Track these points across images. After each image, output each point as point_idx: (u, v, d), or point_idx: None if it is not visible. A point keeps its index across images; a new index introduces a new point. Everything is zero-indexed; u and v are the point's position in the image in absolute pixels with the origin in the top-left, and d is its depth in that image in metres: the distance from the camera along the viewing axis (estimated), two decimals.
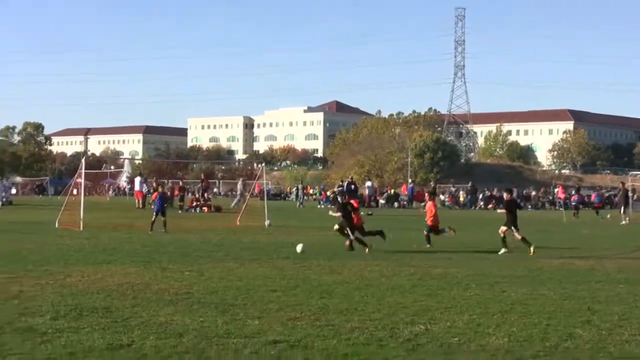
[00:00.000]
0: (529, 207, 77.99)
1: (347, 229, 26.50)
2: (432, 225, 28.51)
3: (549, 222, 50.39)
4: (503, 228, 26.62)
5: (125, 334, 11.71)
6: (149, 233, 32.71)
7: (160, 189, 37.12)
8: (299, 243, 25.08)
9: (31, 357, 10.18)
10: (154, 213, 34.43)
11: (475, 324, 13.10)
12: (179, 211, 56.38)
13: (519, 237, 26.36)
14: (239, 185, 66.63)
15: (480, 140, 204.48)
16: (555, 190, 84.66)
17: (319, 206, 77.51)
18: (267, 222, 39.00)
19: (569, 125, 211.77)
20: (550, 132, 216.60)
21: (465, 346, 11.42)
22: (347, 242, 26.28)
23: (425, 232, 28.48)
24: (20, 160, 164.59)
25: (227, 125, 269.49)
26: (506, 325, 13.04)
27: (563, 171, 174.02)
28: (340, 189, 66.69)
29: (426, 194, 34.92)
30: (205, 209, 57.94)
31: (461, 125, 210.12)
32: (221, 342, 11.25)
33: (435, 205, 29.87)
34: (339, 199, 29.43)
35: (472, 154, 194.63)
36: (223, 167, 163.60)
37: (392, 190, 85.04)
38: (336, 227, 27.03)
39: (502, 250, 26.13)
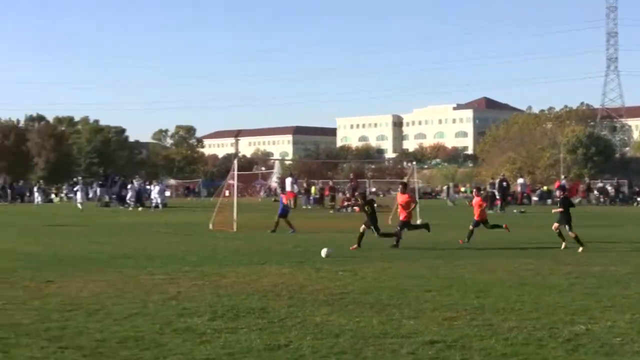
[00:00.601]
0: None
1: (372, 227, 26.94)
2: (479, 219, 29.21)
3: None
4: (556, 224, 26.59)
5: (282, 334, 11.78)
6: (268, 232, 33.15)
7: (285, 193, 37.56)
8: (326, 248, 24.13)
9: (191, 357, 10.32)
10: (278, 216, 34.77)
11: (637, 323, 12.72)
12: (331, 211, 56.80)
13: (573, 235, 25.87)
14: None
15: (636, 134, 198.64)
16: None
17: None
18: (418, 221, 38.82)
19: None
20: None
21: (627, 347, 11.08)
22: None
23: (470, 227, 29.16)
24: (173, 163, 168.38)
25: (376, 124, 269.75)
26: None
27: None
28: (494, 185, 65.83)
29: (474, 190, 34.96)
30: (357, 208, 57.98)
31: (615, 119, 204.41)
32: (378, 343, 11.20)
33: (483, 201, 30.54)
34: (360, 200, 29.34)
35: (627, 148, 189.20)
36: (373, 166, 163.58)
37: (545, 187, 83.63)
38: (362, 228, 26.92)
39: (563, 245, 26.10)
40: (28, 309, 14.05)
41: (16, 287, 16.92)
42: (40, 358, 10.23)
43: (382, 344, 11.10)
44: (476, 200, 30.19)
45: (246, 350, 10.69)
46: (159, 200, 63.90)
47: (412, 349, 10.80)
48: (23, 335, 11.66)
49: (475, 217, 29.34)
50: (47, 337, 11.57)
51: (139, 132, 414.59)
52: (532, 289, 16.76)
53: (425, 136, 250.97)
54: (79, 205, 62.71)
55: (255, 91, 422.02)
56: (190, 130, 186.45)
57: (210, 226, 36.52)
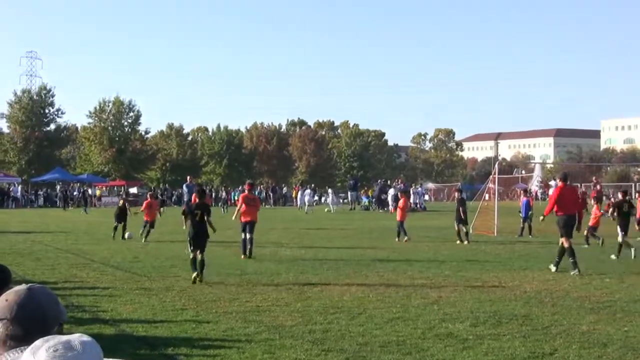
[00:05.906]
0: None
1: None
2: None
3: None
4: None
5: (546, 342, 11.45)
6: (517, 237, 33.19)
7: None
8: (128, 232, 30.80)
9: None
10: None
11: None
12: None
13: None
14: None
15: None
16: None
17: None
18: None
19: None
20: None
21: None
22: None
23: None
24: (432, 166, 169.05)
25: None
26: None
27: None
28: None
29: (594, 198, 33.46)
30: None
31: None
32: None
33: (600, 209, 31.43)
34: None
35: None
36: (639, 170, 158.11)
37: None
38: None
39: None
40: (292, 310, 14.32)
41: (280, 289, 17.31)
42: None
43: None
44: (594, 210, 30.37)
45: (510, 358, 10.45)
46: (417, 205, 64.29)
47: None
48: (287, 337, 11.87)
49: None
50: (311, 339, 11.73)
51: (398, 135, 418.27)
52: None
53: None
54: (332, 209, 64.34)
55: (515, 93, 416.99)
56: (449, 133, 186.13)
57: (470, 230, 36.28)
